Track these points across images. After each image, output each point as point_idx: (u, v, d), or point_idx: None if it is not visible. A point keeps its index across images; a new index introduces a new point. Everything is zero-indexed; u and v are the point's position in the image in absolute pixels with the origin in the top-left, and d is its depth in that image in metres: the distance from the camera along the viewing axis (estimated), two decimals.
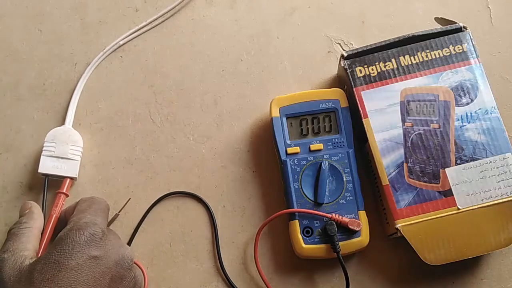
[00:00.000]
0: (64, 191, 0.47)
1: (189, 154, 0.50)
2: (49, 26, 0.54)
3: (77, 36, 0.54)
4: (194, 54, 0.53)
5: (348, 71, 0.47)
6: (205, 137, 0.51)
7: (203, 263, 0.47)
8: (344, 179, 0.46)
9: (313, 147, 0.46)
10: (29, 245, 0.41)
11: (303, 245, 0.45)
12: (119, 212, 0.48)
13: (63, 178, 0.47)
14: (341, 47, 0.54)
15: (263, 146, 0.50)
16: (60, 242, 0.38)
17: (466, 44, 0.47)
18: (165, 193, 0.49)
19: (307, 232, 0.45)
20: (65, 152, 0.48)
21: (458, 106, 0.45)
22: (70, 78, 0.52)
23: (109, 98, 0.52)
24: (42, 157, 0.47)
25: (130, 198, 0.48)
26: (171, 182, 0.49)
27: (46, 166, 0.47)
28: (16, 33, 0.54)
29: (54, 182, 0.48)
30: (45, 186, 0.47)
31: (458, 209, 0.43)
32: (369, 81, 0.46)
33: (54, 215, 0.45)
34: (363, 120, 0.46)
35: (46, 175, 0.47)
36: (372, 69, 0.47)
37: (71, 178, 0.48)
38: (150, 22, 0.54)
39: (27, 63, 0.53)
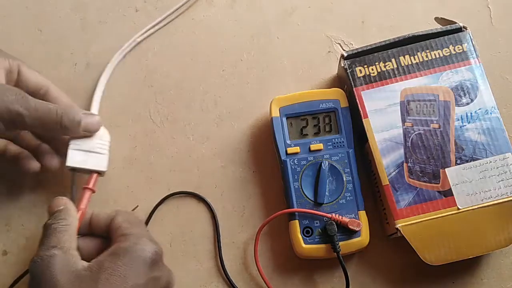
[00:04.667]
0: (91, 186, 0.45)
1: (189, 154, 0.50)
2: (49, 26, 0.54)
3: (77, 36, 0.54)
4: (194, 54, 0.53)
5: (348, 71, 0.47)
6: (205, 137, 0.51)
7: (203, 263, 0.47)
8: (344, 179, 0.46)
9: (313, 147, 0.46)
10: (74, 244, 0.38)
11: (303, 245, 0.45)
12: None
13: (91, 172, 0.45)
14: (341, 47, 0.54)
15: (263, 146, 0.50)
16: (126, 255, 0.36)
17: (466, 44, 0.47)
18: (169, 193, 0.49)
19: (307, 232, 0.45)
20: (92, 146, 0.45)
21: (458, 106, 0.45)
22: (70, 78, 0.52)
23: (109, 98, 0.52)
24: (69, 151, 0.44)
25: (137, 206, 0.48)
26: (171, 182, 0.49)
27: (74, 160, 0.44)
28: (16, 33, 0.54)
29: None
30: (74, 181, 0.45)
31: (458, 209, 0.43)
32: (369, 81, 0.46)
33: (81, 212, 0.42)
34: (363, 120, 0.46)
35: (74, 169, 0.45)
36: (372, 69, 0.47)
37: (100, 173, 0.46)
38: (153, 26, 0.53)
39: (27, 63, 0.53)
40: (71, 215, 0.40)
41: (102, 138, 0.46)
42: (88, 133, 0.44)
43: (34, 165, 0.45)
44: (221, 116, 0.51)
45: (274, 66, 0.53)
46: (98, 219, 0.42)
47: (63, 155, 0.45)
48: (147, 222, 0.48)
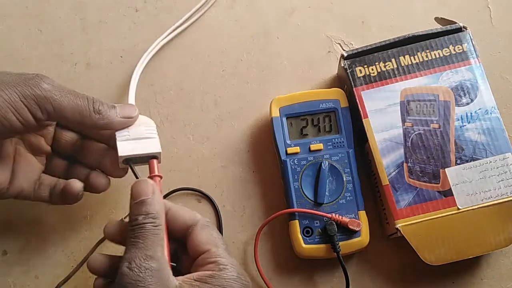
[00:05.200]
0: (157, 173, 0.41)
1: (189, 154, 0.50)
2: (49, 26, 0.54)
3: (77, 36, 0.54)
4: (194, 54, 0.53)
5: (348, 71, 0.47)
6: (205, 137, 0.51)
7: None
8: (344, 179, 0.46)
9: (313, 147, 0.46)
10: (165, 251, 0.35)
11: (303, 245, 0.45)
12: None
13: (147, 158, 0.42)
14: (341, 47, 0.54)
15: (263, 146, 0.50)
16: None
17: (466, 44, 0.47)
18: (171, 190, 0.49)
19: (307, 232, 0.45)
20: (140, 132, 0.42)
21: (458, 106, 0.45)
22: (70, 78, 0.52)
23: (109, 98, 0.52)
24: (118, 143, 0.41)
25: None
26: (171, 182, 0.49)
27: (126, 149, 0.41)
28: (16, 33, 0.54)
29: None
30: (135, 172, 0.41)
31: (458, 209, 0.43)
32: (369, 81, 0.46)
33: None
34: (363, 120, 0.46)
35: (128, 160, 0.42)
36: (372, 69, 0.47)
37: (156, 157, 0.42)
38: (170, 33, 0.53)
39: (27, 63, 0.53)
40: (162, 210, 0.36)
41: (147, 124, 0.44)
42: (128, 120, 0.42)
43: (77, 184, 0.42)
44: (221, 116, 0.51)
45: (274, 66, 0.53)
46: (174, 219, 0.38)
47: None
48: None
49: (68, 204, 0.44)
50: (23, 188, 0.42)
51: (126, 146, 0.41)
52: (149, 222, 0.35)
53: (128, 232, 0.36)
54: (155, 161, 0.42)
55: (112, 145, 0.43)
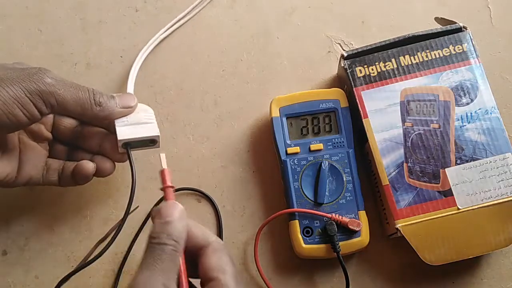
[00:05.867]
0: (170, 184, 0.38)
1: (189, 154, 0.50)
2: (49, 26, 0.54)
3: (77, 36, 0.54)
4: (194, 54, 0.53)
5: (348, 71, 0.47)
6: (205, 137, 0.51)
7: None
8: (344, 179, 0.46)
9: (313, 147, 0.46)
10: (176, 277, 0.33)
11: (303, 245, 0.45)
12: (125, 218, 0.47)
13: (146, 141, 0.43)
14: (341, 47, 0.54)
15: (263, 146, 0.50)
16: None
17: (466, 44, 0.47)
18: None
19: (307, 232, 0.45)
20: (139, 118, 0.44)
21: (458, 106, 0.45)
22: (70, 78, 0.52)
23: None
24: (117, 128, 0.43)
25: (138, 206, 0.48)
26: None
27: (125, 133, 0.43)
28: (16, 33, 0.54)
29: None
30: (130, 157, 0.43)
31: (458, 209, 0.43)
32: (369, 81, 0.46)
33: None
34: (363, 120, 0.46)
35: (127, 145, 0.43)
36: (372, 69, 0.47)
37: (155, 140, 0.44)
38: (166, 30, 0.53)
39: (27, 63, 0.53)
40: (184, 238, 0.34)
41: (146, 111, 0.45)
42: (127, 108, 0.43)
43: (89, 165, 0.43)
44: (221, 116, 0.51)
45: (274, 66, 0.53)
46: (187, 238, 0.36)
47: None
48: (144, 223, 0.48)
49: (79, 185, 0.44)
50: (31, 175, 0.43)
51: (125, 131, 0.43)
52: (170, 245, 0.34)
53: (147, 249, 0.34)
54: (166, 171, 0.39)
55: (112, 130, 0.44)
